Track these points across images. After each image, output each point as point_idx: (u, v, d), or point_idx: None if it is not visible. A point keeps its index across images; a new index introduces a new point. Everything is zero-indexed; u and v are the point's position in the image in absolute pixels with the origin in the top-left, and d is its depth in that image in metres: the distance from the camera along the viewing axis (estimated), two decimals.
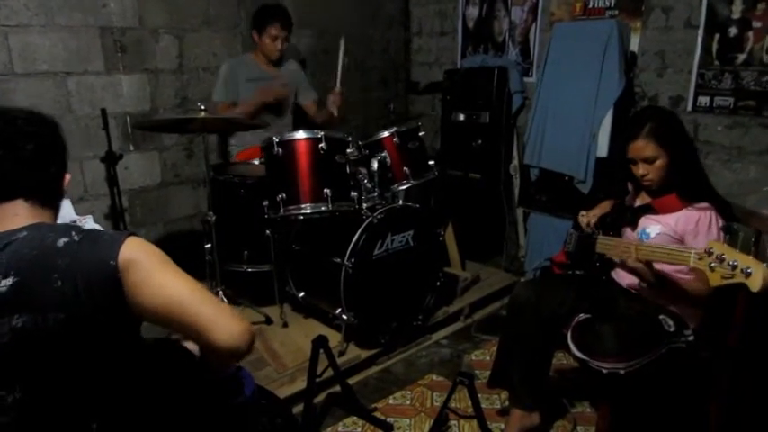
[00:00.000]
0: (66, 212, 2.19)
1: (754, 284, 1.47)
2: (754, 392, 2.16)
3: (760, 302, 1.88)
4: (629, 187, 2.14)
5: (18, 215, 1.11)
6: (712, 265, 1.55)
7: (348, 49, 3.14)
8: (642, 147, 1.88)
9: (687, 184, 1.90)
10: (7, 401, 1.02)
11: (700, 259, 1.60)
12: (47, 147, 1.16)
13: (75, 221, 2.14)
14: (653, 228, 1.94)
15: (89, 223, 2.16)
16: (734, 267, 1.50)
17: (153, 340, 1.22)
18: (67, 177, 1.22)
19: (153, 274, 1.07)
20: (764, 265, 1.46)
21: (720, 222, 1.86)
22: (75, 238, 1.05)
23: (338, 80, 3.18)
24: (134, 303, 1.06)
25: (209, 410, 1.30)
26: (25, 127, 1.13)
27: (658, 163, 1.88)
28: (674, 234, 1.89)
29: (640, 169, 1.92)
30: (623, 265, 2.02)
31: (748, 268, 1.47)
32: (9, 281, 1.00)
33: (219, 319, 1.08)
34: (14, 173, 1.11)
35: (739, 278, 1.49)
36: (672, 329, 1.90)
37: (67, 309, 1.01)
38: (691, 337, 1.92)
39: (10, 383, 1.02)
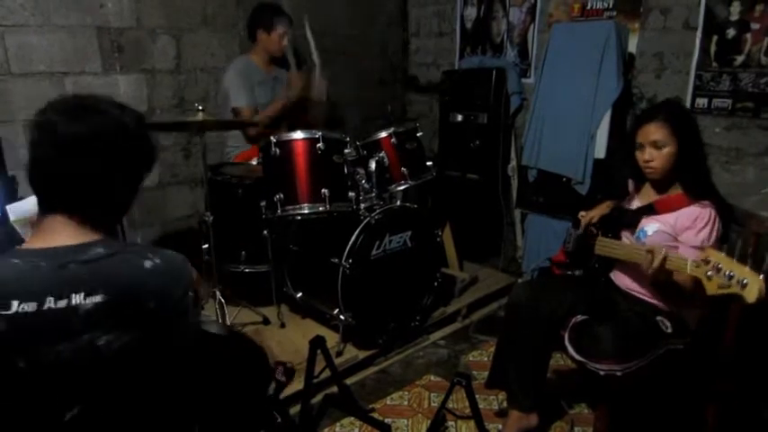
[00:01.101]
0: None
1: (750, 296, 1.48)
2: (751, 394, 2.17)
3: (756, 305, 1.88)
4: (630, 187, 2.14)
5: (57, 231, 1.06)
6: (709, 273, 1.56)
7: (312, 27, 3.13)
8: (654, 130, 1.88)
9: (693, 180, 1.90)
10: (64, 418, 1.00)
11: (697, 267, 1.60)
12: (129, 151, 1.11)
13: None
14: (651, 226, 1.94)
15: None
16: (730, 278, 1.51)
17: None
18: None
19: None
20: (761, 276, 1.47)
21: (719, 223, 1.86)
22: (157, 261, 1.08)
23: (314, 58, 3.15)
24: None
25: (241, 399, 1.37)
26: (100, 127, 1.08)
27: (666, 150, 1.87)
28: (672, 231, 1.88)
29: (646, 154, 1.90)
30: (626, 267, 2.03)
31: (744, 279, 1.48)
32: (97, 299, 0.99)
33: None
34: (62, 183, 1.06)
35: (735, 289, 1.50)
36: (669, 331, 1.90)
37: (151, 329, 1.04)
38: (688, 339, 1.92)
39: (71, 400, 1.01)
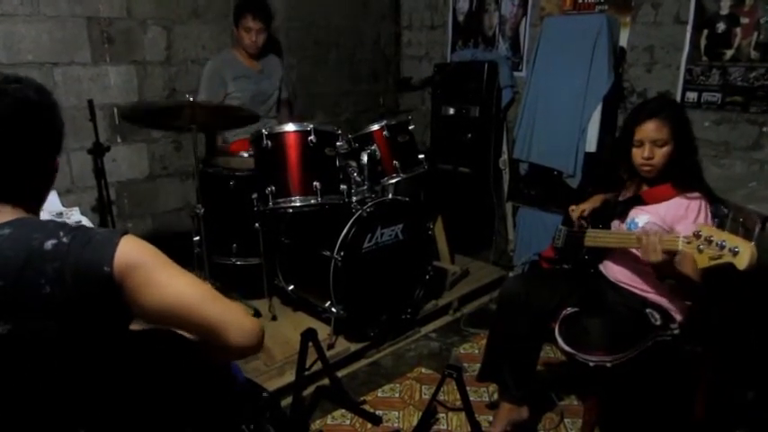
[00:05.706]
0: (53, 205, 2.17)
1: (741, 262, 1.48)
2: (737, 383, 2.19)
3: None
4: (624, 177, 2.14)
5: None
6: (701, 247, 1.56)
7: None
8: (656, 128, 1.87)
9: (684, 175, 1.91)
10: None
11: (688, 243, 1.61)
12: (37, 126, 1.04)
13: (61, 213, 2.12)
14: (642, 217, 1.95)
15: (75, 215, 2.14)
16: (722, 247, 1.51)
17: (142, 331, 1.19)
18: (57, 162, 1.11)
19: (153, 276, 1.01)
20: (752, 243, 1.48)
21: (710, 211, 1.88)
22: (65, 239, 0.97)
23: None
24: (135, 306, 1.02)
25: (206, 398, 1.28)
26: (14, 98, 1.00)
27: (665, 149, 1.88)
28: (663, 223, 1.89)
29: (646, 152, 1.89)
30: (616, 258, 2.04)
31: (736, 247, 1.49)
32: None
33: (231, 319, 1.06)
34: None
35: (727, 258, 1.50)
36: (658, 323, 1.92)
37: (57, 316, 0.96)
38: (676, 331, 1.94)
39: None
